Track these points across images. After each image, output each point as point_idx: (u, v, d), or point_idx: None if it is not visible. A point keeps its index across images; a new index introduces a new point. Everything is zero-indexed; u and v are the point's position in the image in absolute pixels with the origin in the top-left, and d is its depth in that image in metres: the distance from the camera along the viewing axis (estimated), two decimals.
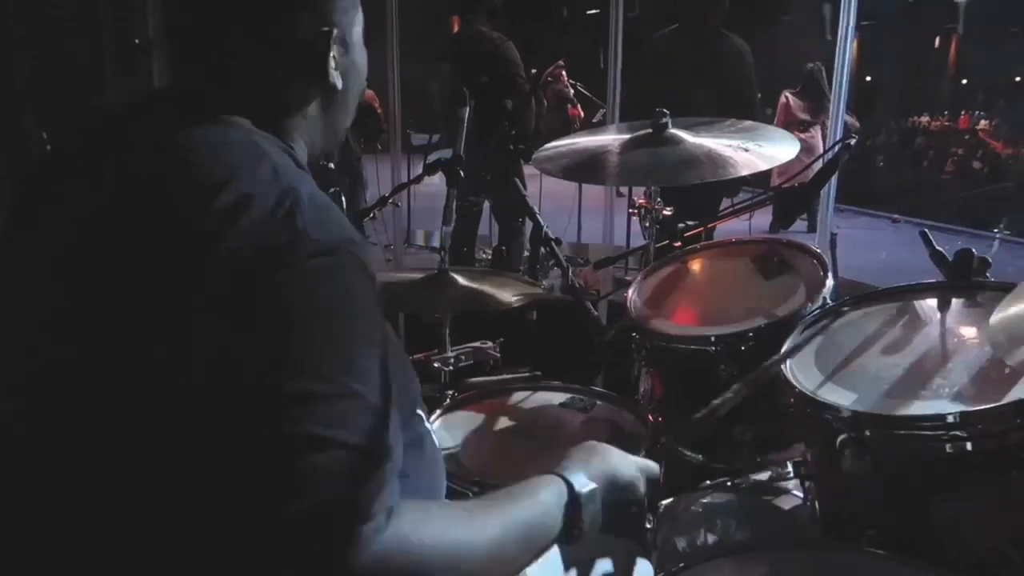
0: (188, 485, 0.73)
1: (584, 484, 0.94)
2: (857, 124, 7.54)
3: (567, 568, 1.16)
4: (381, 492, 0.72)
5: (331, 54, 0.93)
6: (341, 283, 0.77)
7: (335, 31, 0.93)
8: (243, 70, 0.91)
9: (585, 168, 1.94)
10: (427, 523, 0.77)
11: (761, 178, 1.91)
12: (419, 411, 1.06)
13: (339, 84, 0.95)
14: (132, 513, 0.75)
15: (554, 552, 1.16)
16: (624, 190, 4.27)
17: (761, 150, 1.80)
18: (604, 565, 1.21)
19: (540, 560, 1.14)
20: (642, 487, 1.06)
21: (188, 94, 0.92)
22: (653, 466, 1.11)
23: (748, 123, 2.03)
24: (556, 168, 1.92)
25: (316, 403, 0.72)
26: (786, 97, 7.47)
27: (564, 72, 10.22)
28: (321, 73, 0.93)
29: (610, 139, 1.98)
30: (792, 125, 6.86)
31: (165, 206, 0.78)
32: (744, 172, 1.75)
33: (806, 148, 5.03)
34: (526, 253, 4.77)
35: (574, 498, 0.92)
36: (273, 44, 0.91)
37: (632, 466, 1.06)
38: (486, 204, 4.78)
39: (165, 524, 0.74)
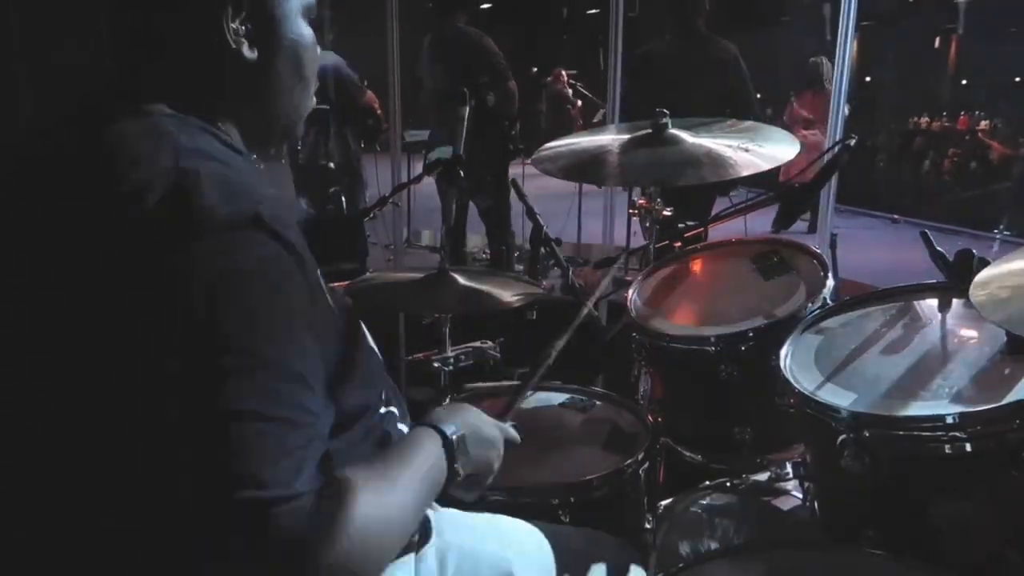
0: (122, 471, 0.76)
1: (454, 431, 1.00)
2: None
3: (560, 574, 1.16)
4: (303, 466, 0.74)
5: (231, 26, 0.90)
6: (251, 257, 0.77)
7: (232, 6, 0.90)
8: (162, 55, 0.91)
9: (585, 168, 1.94)
10: (357, 497, 0.77)
11: (765, 178, 1.90)
12: (391, 408, 1.07)
13: (249, 56, 0.92)
14: (79, 499, 0.79)
15: (548, 558, 1.16)
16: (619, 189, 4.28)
17: (761, 150, 1.80)
18: (598, 571, 1.20)
19: (535, 566, 1.15)
20: (501, 446, 1.12)
21: (116, 88, 0.91)
22: (511, 431, 1.18)
23: (748, 123, 2.03)
24: (556, 168, 1.92)
25: (232, 378, 0.73)
26: (791, 96, 7.48)
27: (564, 73, 10.27)
28: (225, 51, 0.90)
29: (610, 139, 1.98)
30: (796, 123, 6.85)
31: (79, 205, 0.80)
32: (744, 172, 1.75)
33: (810, 145, 5.03)
34: (517, 253, 4.78)
35: (448, 444, 0.99)
36: (179, 26, 0.90)
37: (492, 425, 1.12)
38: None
39: (105, 508, 0.78)
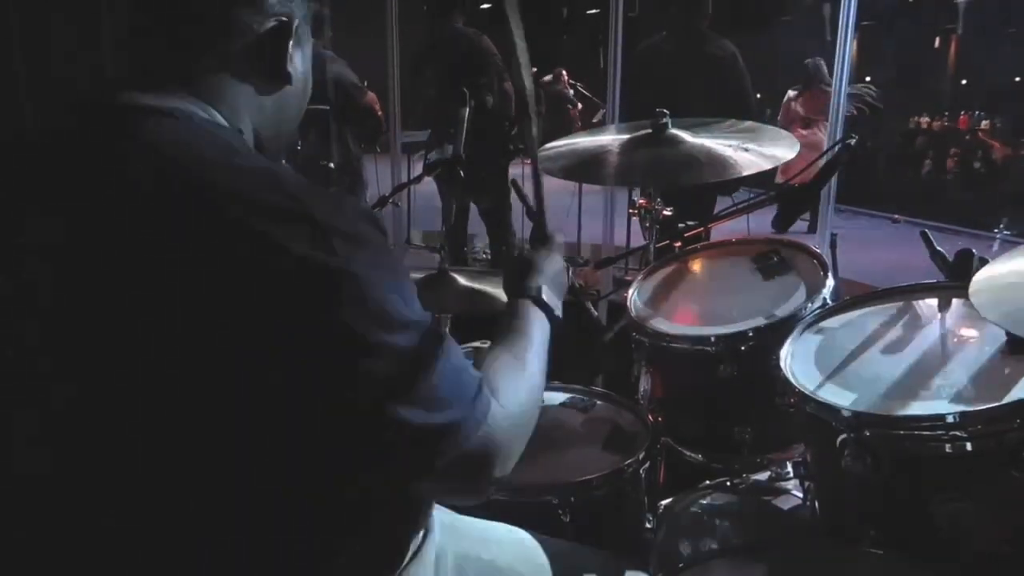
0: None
1: (538, 290, 1.16)
2: (873, 93, 7.43)
3: None
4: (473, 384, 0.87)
5: (289, 44, 0.92)
6: (377, 251, 0.82)
7: (294, 21, 0.92)
8: (201, 57, 0.89)
9: (585, 168, 1.94)
10: (507, 394, 0.93)
11: (763, 178, 1.90)
12: None
13: (295, 74, 0.95)
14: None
15: (544, 561, 1.16)
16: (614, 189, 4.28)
17: (761, 150, 1.80)
18: None
19: (532, 566, 1.15)
20: (562, 260, 1.27)
21: (135, 87, 0.88)
22: (555, 240, 1.31)
23: (748, 123, 2.03)
24: (556, 168, 1.92)
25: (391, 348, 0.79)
26: (788, 96, 7.47)
27: (564, 73, 10.27)
28: (277, 64, 0.92)
29: (610, 139, 1.98)
30: (794, 123, 6.85)
31: (175, 220, 0.77)
32: (744, 172, 1.75)
33: (807, 145, 5.02)
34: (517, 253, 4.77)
35: (543, 305, 1.14)
36: (227, 31, 0.89)
37: (550, 259, 1.25)
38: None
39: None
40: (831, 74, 3.53)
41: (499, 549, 1.15)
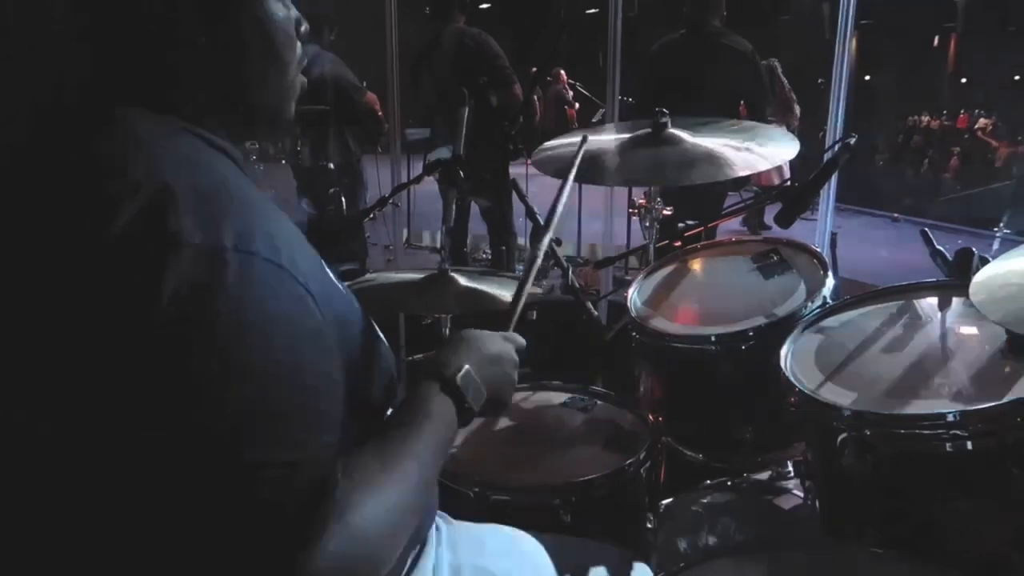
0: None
1: (455, 370, 0.96)
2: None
3: None
4: (327, 504, 0.74)
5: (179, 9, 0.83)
6: (237, 290, 0.71)
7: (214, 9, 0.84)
8: (140, 54, 0.84)
9: (585, 168, 1.93)
10: (366, 507, 0.77)
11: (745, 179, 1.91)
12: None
13: (199, 41, 0.84)
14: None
15: (546, 562, 1.16)
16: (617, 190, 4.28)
17: (761, 150, 1.80)
18: (599, 573, 1.20)
19: (533, 569, 1.14)
20: (514, 354, 1.09)
21: (89, 90, 0.85)
22: (517, 338, 1.15)
23: (748, 123, 2.03)
24: (556, 169, 1.92)
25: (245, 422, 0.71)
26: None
27: (563, 73, 10.27)
28: (174, 37, 0.83)
29: (610, 139, 1.98)
30: None
31: (51, 219, 0.74)
32: (744, 172, 1.75)
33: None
34: (517, 253, 4.78)
35: (453, 390, 0.95)
36: (160, 26, 0.83)
37: (496, 339, 1.09)
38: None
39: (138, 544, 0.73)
40: (830, 73, 3.53)
41: (499, 557, 1.14)
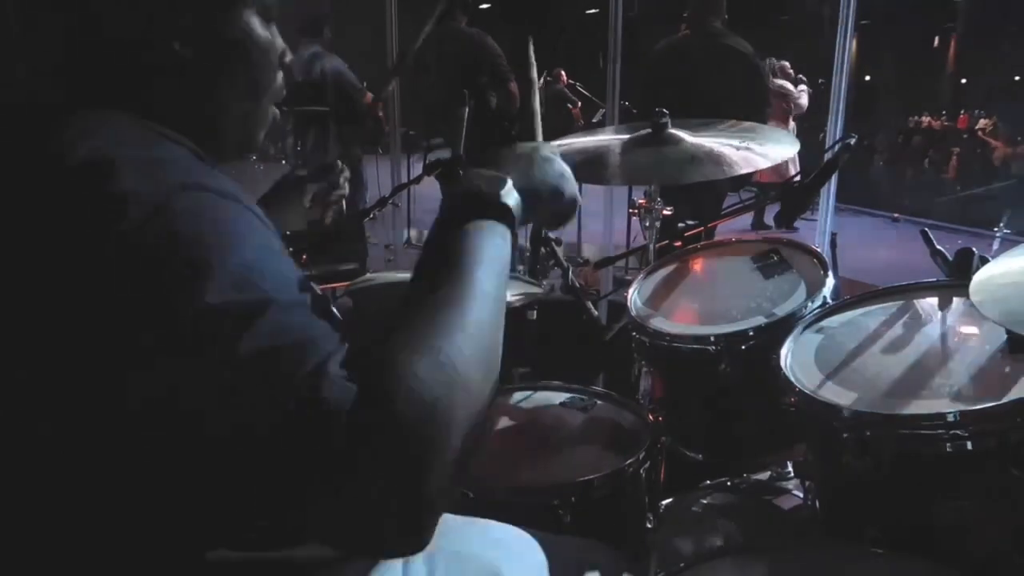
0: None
1: (503, 192, 0.87)
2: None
3: None
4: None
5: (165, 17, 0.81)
6: (194, 213, 0.70)
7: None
8: (119, 59, 0.83)
9: (585, 168, 1.93)
10: (438, 340, 0.71)
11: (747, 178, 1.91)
12: None
13: (181, 52, 0.82)
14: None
15: (540, 563, 1.15)
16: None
17: (761, 149, 1.80)
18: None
19: (526, 570, 1.12)
20: (556, 160, 0.99)
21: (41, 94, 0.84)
22: (549, 147, 1.03)
23: (747, 123, 2.03)
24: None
25: (245, 328, 0.66)
26: None
27: (563, 73, 10.30)
28: (156, 47, 0.82)
29: (610, 139, 1.98)
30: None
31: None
32: (744, 171, 1.75)
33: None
34: (517, 253, 4.78)
35: (502, 213, 0.87)
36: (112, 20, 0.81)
37: (530, 148, 0.99)
38: None
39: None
40: (830, 73, 3.53)
41: (494, 545, 1.13)
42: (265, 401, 0.66)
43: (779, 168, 2.00)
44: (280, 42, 0.91)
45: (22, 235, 0.72)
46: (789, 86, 7.49)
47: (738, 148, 1.78)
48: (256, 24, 0.87)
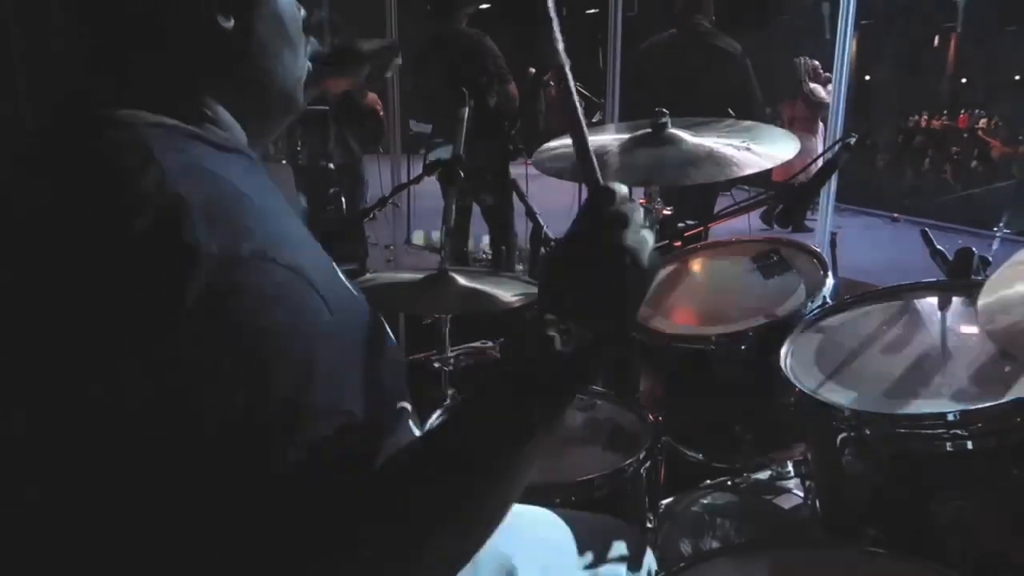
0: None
1: (551, 359, 0.72)
2: None
3: (581, 552, 1.16)
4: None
5: (218, 21, 0.84)
6: (253, 293, 0.71)
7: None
8: (136, 41, 0.85)
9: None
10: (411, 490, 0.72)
11: (764, 176, 1.90)
12: (405, 403, 0.98)
13: (224, 25, 0.85)
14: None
15: (565, 537, 1.16)
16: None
17: (761, 149, 1.80)
18: (619, 549, 1.20)
19: (544, 551, 1.13)
20: (640, 234, 0.76)
21: (86, 95, 0.86)
22: (618, 188, 0.81)
23: (748, 123, 2.02)
24: (557, 169, 1.91)
25: (279, 437, 0.69)
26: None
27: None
28: (200, 21, 0.84)
29: (610, 139, 1.98)
30: (792, 125, 6.87)
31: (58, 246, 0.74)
32: (745, 172, 1.75)
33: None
34: (517, 253, 4.78)
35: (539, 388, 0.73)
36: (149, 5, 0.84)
37: (586, 230, 0.79)
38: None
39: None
40: (831, 73, 3.53)
41: (508, 531, 1.12)
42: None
43: (793, 166, 1.98)
44: (301, 8, 0.95)
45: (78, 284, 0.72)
46: (822, 93, 7.14)
47: (738, 148, 1.78)
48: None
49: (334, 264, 0.89)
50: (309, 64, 0.98)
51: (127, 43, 0.85)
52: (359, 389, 0.78)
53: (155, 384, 0.69)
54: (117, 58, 0.85)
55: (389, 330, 1.01)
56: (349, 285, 0.89)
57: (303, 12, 0.96)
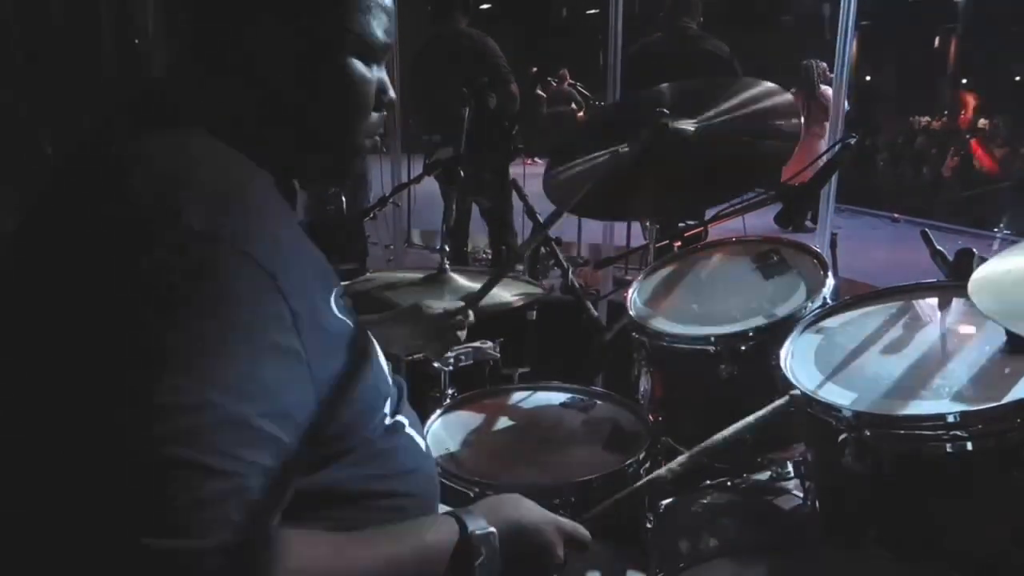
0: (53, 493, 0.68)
1: (481, 526, 0.89)
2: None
3: None
4: (220, 517, 0.66)
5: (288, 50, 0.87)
6: (214, 280, 0.71)
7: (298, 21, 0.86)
8: (220, 72, 0.88)
9: (606, 203, 1.89)
10: (288, 557, 0.71)
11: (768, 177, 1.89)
12: (399, 417, 0.98)
13: (295, 92, 0.89)
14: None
15: None
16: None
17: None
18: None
19: None
20: (559, 548, 0.99)
21: (148, 101, 0.89)
22: (582, 532, 1.04)
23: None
24: (574, 205, 1.79)
25: (170, 416, 0.66)
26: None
27: (567, 73, 10.35)
28: (276, 79, 0.88)
29: (614, 151, 1.96)
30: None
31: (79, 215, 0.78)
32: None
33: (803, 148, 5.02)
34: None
35: (466, 539, 0.87)
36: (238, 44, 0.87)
37: (546, 520, 1.00)
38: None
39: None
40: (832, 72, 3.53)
41: None
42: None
43: (795, 167, 1.98)
44: (380, 75, 0.94)
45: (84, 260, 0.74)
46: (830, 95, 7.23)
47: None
48: (355, 65, 0.90)
49: (336, 290, 0.88)
50: (371, 142, 0.97)
51: (208, 52, 0.88)
52: (305, 413, 0.76)
53: (87, 339, 0.69)
54: (195, 68, 0.89)
55: (383, 364, 1.00)
56: (341, 314, 0.87)
57: (387, 96, 0.95)
